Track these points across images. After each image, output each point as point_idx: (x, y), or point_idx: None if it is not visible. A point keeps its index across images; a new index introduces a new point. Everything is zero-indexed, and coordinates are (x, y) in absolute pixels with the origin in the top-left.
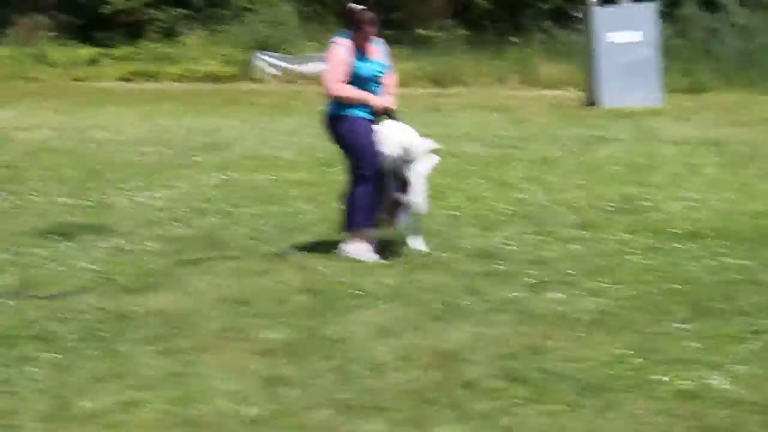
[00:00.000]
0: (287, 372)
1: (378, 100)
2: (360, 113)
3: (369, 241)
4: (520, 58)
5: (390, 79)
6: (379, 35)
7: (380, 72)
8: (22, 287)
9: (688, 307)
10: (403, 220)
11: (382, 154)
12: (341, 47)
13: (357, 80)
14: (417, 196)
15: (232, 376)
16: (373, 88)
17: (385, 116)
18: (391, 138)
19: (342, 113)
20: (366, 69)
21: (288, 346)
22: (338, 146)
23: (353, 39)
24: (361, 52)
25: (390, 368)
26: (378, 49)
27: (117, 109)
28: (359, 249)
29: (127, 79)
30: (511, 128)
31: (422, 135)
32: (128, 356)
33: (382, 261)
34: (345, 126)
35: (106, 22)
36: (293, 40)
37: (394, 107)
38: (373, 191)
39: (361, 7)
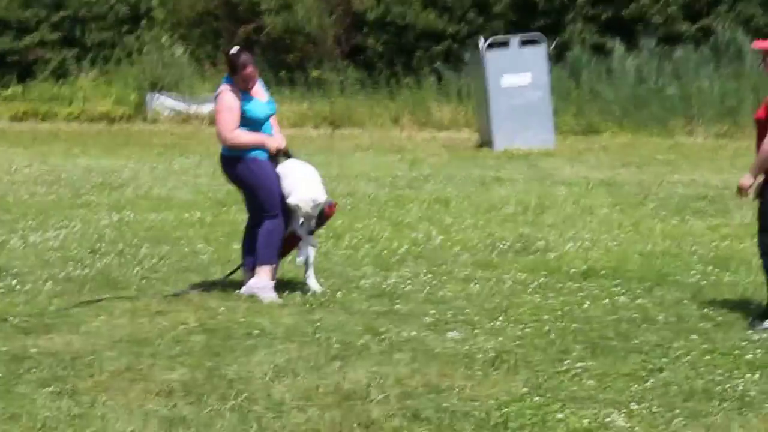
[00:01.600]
0: (187, 412)
1: (273, 141)
2: (256, 153)
3: (272, 278)
4: (413, 100)
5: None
6: (258, 74)
7: (271, 111)
8: None
9: (585, 345)
10: (301, 257)
11: (284, 192)
12: (227, 94)
13: (250, 122)
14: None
15: (132, 417)
16: (265, 128)
17: (282, 155)
18: (295, 180)
19: (238, 155)
20: (257, 110)
21: (187, 386)
22: (238, 187)
23: (236, 83)
24: (246, 95)
25: (290, 408)
26: (261, 89)
27: (9, 148)
28: (264, 285)
29: (19, 119)
30: (406, 169)
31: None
32: (26, 397)
33: (279, 301)
34: (244, 167)
35: None
36: (187, 80)
37: (285, 145)
38: (280, 228)
39: (236, 48)
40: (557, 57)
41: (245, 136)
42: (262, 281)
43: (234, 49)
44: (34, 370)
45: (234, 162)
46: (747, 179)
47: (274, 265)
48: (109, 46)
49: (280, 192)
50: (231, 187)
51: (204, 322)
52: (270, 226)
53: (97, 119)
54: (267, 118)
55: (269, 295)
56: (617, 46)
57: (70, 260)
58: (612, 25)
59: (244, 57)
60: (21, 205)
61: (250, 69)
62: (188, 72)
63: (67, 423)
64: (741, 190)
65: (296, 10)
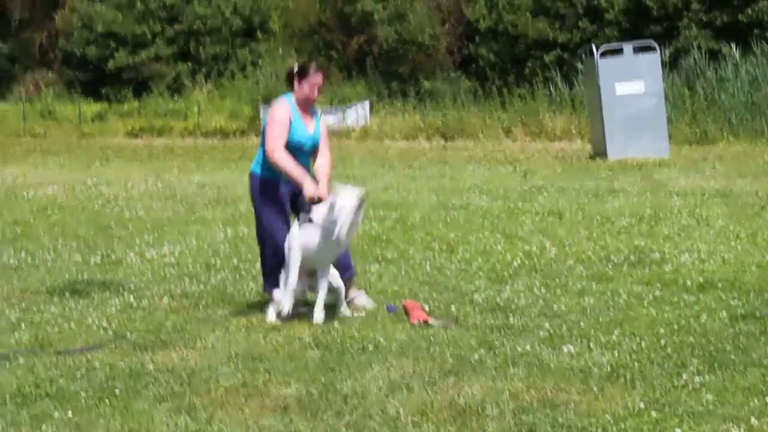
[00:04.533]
0: (303, 428)
1: (312, 188)
2: (276, 177)
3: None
4: (525, 110)
5: (324, 160)
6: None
7: (313, 142)
8: (34, 345)
9: (702, 359)
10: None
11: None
12: (282, 106)
13: (287, 146)
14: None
15: None
16: (302, 157)
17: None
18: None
19: (252, 169)
20: (297, 135)
21: (302, 402)
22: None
23: (299, 93)
24: (297, 115)
25: (405, 424)
26: (314, 118)
27: (125, 164)
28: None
29: (135, 135)
30: (519, 181)
31: (429, 188)
32: (143, 414)
33: (278, 321)
34: (256, 185)
35: (112, 77)
36: None
37: (323, 197)
38: (274, 255)
39: (300, 62)
40: (671, 64)
41: (289, 164)
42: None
43: (301, 61)
44: (152, 386)
45: (250, 177)
46: None
47: (273, 291)
48: (223, 59)
49: (281, 222)
50: None
51: (318, 337)
52: (268, 252)
53: (212, 134)
54: (306, 148)
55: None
56: (732, 51)
57: (186, 276)
58: (727, 31)
59: (318, 63)
60: (137, 221)
61: (320, 76)
62: None
63: None
64: None
65: (409, 20)
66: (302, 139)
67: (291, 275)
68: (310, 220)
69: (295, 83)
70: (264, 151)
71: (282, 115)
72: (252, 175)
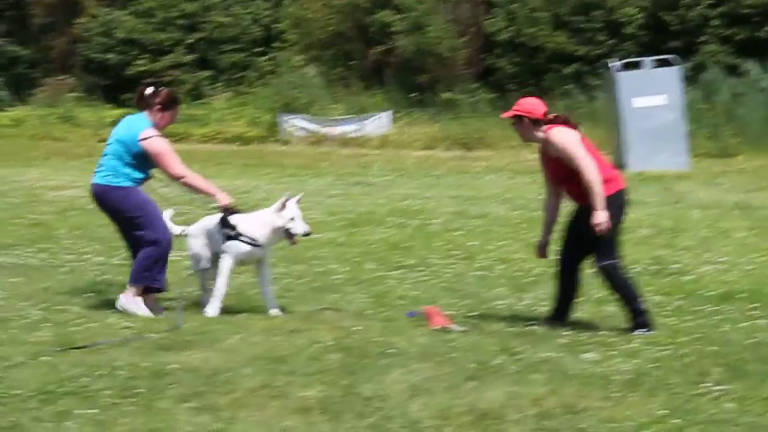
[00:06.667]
0: (325, 430)
1: (225, 198)
2: (133, 183)
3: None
4: None
5: None
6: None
7: None
8: (57, 344)
9: (723, 368)
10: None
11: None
12: (159, 138)
13: (148, 161)
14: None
15: None
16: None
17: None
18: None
19: (117, 184)
20: None
21: (324, 403)
22: (114, 218)
23: (161, 120)
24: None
25: (426, 427)
26: None
27: None
28: (132, 302)
29: None
30: (537, 190)
31: (448, 196)
32: (166, 413)
33: (152, 316)
34: (124, 197)
35: (132, 83)
36: (318, 102)
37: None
38: (161, 255)
39: (153, 87)
40: (690, 78)
41: (202, 182)
42: (128, 300)
43: (152, 88)
44: (174, 385)
45: (112, 192)
46: None
47: (148, 285)
48: (242, 67)
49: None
50: (363, 209)
51: (339, 340)
52: (151, 253)
53: (231, 140)
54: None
55: (141, 309)
56: (751, 67)
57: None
58: (747, 46)
59: (174, 94)
60: None
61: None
62: (320, 93)
63: None
64: None
65: (428, 31)
66: None
67: (222, 286)
68: (234, 236)
69: (158, 111)
70: (113, 166)
71: (166, 144)
72: (108, 189)
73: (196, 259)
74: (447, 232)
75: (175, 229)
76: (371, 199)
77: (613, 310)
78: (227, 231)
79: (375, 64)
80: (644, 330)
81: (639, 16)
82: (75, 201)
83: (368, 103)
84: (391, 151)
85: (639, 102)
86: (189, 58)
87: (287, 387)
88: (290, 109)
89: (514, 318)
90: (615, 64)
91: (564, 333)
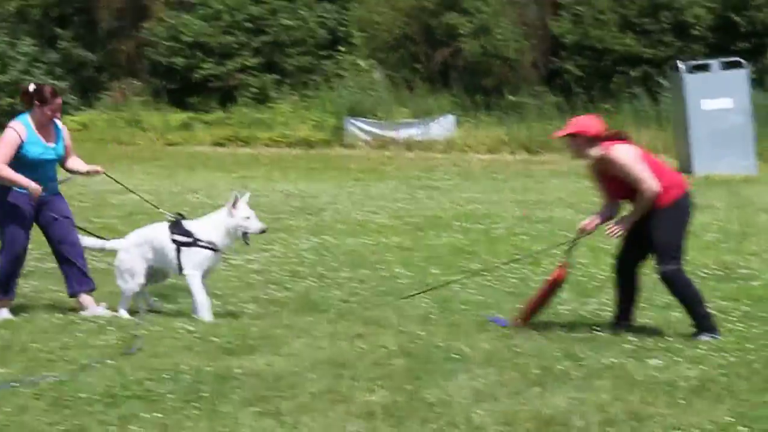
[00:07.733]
0: None
1: (35, 188)
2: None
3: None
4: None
5: (76, 160)
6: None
7: (52, 156)
8: (121, 348)
9: None
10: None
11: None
12: (12, 131)
13: (27, 163)
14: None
15: None
16: (45, 171)
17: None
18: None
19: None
20: (35, 152)
21: (387, 409)
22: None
23: (39, 116)
24: (34, 136)
25: None
26: (57, 132)
27: (211, 173)
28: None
29: (220, 144)
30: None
31: (514, 201)
32: (230, 417)
33: (10, 317)
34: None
35: (199, 87)
36: (384, 105)
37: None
38: (13, 264)
39: (34, 84)
40: (759, 81)
41: (12, 174)
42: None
43: (33, 84)
44: (238, 389)
45: None
46: None
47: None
48: (308, 71)
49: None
50: (428, 213)
51: (403, 345)
52: (4, 260)
53: (296, 144)
54: (50, 158)
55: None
56: None
57: (271, 283)
58: None
59: (54, 89)
60: None
61: (60, 99)
62: (386, 97)
63: None
64: None
65: (494, 34)
66: (43, 152)
67: (203, 297)
68: (192, 243)
69: (36, 107)
70: None
71: (9, 137)
72: None
73: (129, 274)
74: (512, 236)
75: (99, 243)
76: (436, 203)
77: (679, 316)
78: (180, 238)
79: (441, 67)
80: (710, 334)
81: (708, 17)
82: (141, 205)
83: (433, 106)
84: (456, 154)
85: (707, 104)
86: (255, 61)
87: (351, 392)
88: (355, 112)
89: (579, 323)
90: (683, 65)
91: (629, 339)
